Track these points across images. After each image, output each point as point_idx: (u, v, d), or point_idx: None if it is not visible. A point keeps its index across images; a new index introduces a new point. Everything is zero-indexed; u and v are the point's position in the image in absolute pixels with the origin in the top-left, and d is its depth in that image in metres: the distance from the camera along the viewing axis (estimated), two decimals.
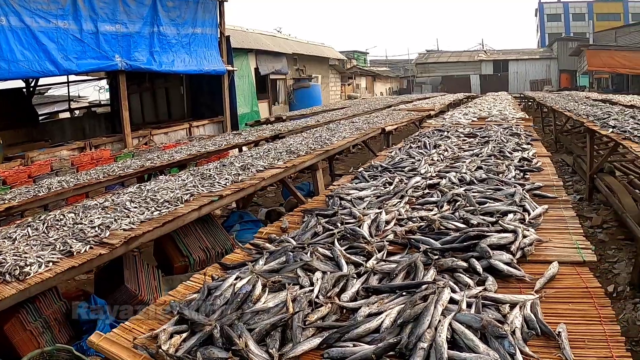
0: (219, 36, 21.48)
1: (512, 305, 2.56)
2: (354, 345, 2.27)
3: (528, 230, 3.58)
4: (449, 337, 2.25)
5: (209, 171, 8.08)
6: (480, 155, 6.73)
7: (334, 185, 5.89)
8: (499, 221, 3.68)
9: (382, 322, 2.39)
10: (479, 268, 2.97)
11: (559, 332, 2.33)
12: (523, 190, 4.74)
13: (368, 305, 2.58)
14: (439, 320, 2.34)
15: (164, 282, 6.36)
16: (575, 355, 2.21)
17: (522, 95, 38.85)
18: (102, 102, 30.49)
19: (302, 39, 41.10)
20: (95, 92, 34.23)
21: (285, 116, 22.57)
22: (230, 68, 21.93)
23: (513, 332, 2.32)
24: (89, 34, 15.88)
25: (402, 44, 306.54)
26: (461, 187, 4.97)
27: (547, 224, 3.98)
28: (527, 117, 12.67)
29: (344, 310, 2.64)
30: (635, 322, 6.43)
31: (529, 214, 4.02)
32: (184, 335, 2.46)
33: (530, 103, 33.07)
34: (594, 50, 47.16)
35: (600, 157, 11.84)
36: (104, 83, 29.49)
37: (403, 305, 2.49)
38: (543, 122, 24.97)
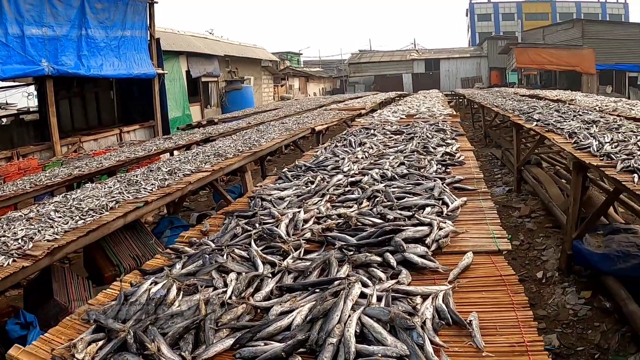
0: (148, 38, 21.08)
1: (426, 297, 2.60)
2: (266, 344, 2.26)
3: (445, 223, 3.65)
4: (357, 331, 2.25)
5: (136, 177, 7.89)
6: (404, 151, 6.81)
7: (256, 187, 5.87)
8: (415, 215, 3.73)
9: (294, 319, 2.39)
10: (393, 262, 3.01)
11: (470, 320, 2.38)
12: (443, 184, 4.84)
13: (280, 304, 2.58)
14: (349, 315, 2.35)
15: (95, 293, 6.25)
16: (487, 342, 2.25)
17: (453, 93, 39.70)
18: (31, 109, 29.62)
19: (234, 40, 40.89)
20: (24, 98, 33.28)
21: (217, 119, 22.37)
22: (160, 71, 21.57)
23: (424, 323, 2.35)
24: (15, 38, 15.33)
25: (335, 44, 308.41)
26: (382, 183, 5.02)
27: (466, 215, 4.08)
28: (454, 113, 12.97)
29: (259, 310, 2.63)
30: (565, 305, 6.70)
31: (448, 207, 4.11)
32: (100, 343, 2.40)
33: (461, 100, 33.79)
34: (522, 48, 48.75)
35: (527, 150, 12.21)
36: (32, 89, 28.69)
37: (314, 302, 2.50)
38: (473, 118, 25.56)
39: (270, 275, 3.01)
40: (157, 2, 21.43)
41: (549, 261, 8.12)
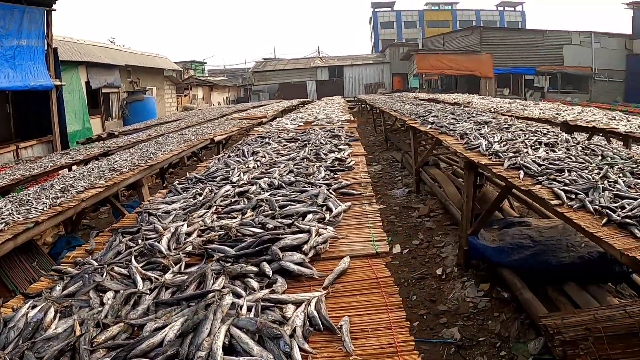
0: (46, 48, 20.05)
1: (299, 304, 2.61)
2: None
3: (325, 229, 3.69)
4: (227, 343, 2.25)
5: (28, 196, 7.49)
6: (295, 159, 6.82)
7: (145, 201, 5.76)
8: (295, 222, 3.76)
9: (166, 335, 2.36)
10: (268, 271, 3.02)
11: (341, 325, 2.40)
12: (329, 189, 4.89)
13: (155, 320, 2.54)
14: (218, 328, 2.34)
15: None
16: (358, 346, 2.28)
17: (356, 99, 40.35)
18: None
19: (136, 49, 39.76)
20: None
21: (118, 132, 21.49)
22: (58, 83, 20.59)
23: (294, 331, 2.36)
24: None
25: (240, 53, 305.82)
26: (270, 191, 5.02)
27: (349, 220, 4.12)
28: (352, 119, 13.09)
29: (136, 328, 2.57)
30: (464, 299, 6.89)
31: (332, 213, 4.15)
32: None
33: (364, 106, 34.25)
34: (423, 55, 50.29)
35: (425, 152, 12.50)
36: None
37: (186, 317, 2.48)
38: (375, 122, 25.95)
39: (148, 292, 2.96)
40: (55, 10, 20.40)
41: (448, 257, 8.36)
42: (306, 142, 8.36)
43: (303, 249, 3.32)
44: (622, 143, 11.20)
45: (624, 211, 4.03)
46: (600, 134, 11.64)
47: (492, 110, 14.96)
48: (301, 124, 12.24)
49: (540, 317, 5.23)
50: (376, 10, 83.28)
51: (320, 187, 4.97)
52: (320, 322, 2.46)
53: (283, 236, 3.47)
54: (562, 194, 4.62)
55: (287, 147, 8.13)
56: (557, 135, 7.83)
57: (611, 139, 11.58)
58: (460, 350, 5.90)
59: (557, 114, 12.97)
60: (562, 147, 6.81)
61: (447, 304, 6.93)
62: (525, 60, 51.84)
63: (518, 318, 6.15)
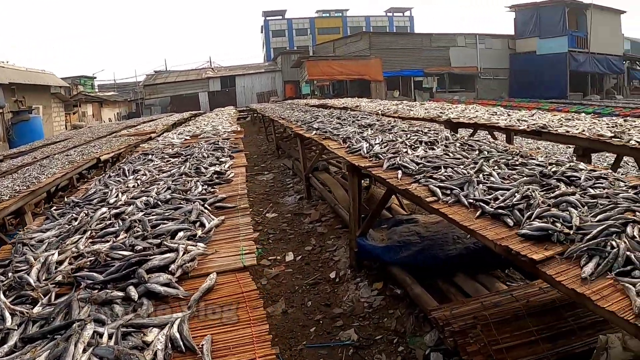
0: None
1: (163, 327, 2.53)
2: None
3: (195, 246, 3.60)
4: None
5: None
6: (174, 175, 6.62)
7: (20, 231, 5.43)
8: (163, 242, 3.64)
9: None
10: (134, 295, 2.90)
11: (202, 345, 2.35)
12: (205, 204, 4.80)
13: (20, 357, 2.41)
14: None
15: None
16: None
17: (248, 108, 40.31)
18: None
19: (20, 66, 37.56)
20: None
21: (2, 155, 20.34)
22: None
23: (155, 355, 2.30)
24: None
25: (130, 66, 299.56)
26: (145, 211, 4.84)
27: (221, 234, 4.04)
28: (239, 129, 12.99)
29: None
30: (359, 299, 6.96)
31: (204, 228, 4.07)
32: None
33: (256, 115, 34.19)
34: (313, 61, 50.87)
35: (313, 157, 12.56)
36: None
37: (49, 350, 2.36)
38: (266, 131, 25.95)
39: (16, 327, 2.77)
40: None
41: (341, 260, 8.41)
42: (188, 156, 8.17)
43: (170, 269, 3.23)
44: (505, 136, 11.63)
45: (497, 202, 4.16)
46: (484, 129, 11.99)
47: (379, 112, 15.23)
48: (188, 137, 12.00)
49: (430, 310, 5.38)
50: (267, 18, 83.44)
51: (194, 202, 4.84)
52: (182, 343, 2.40)
53: (151, 257, 3.36)
54: (438, 190, 4.75)
55: (169, 163, 7.88)
56: (437, 134, 8.03)
57: (494, 133, 11.99)
58: (359, 350, 5.94)
59: (441, 112, 13.33)
60: (442, 145, 6.99)
61: (343, 307, 6.96)
62: (413, 62, 53.79)
63: (412, 313, 6.26)
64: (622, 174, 5.37)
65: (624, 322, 2.49)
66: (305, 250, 9.29)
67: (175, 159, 8.08)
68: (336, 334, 6.31)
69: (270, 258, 8.98)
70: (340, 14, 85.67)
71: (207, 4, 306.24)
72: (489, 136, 11.48)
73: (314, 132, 10.11)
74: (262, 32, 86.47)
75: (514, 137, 12.89)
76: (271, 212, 12.08)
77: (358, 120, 10.98)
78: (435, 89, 53.83)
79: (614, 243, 3.14)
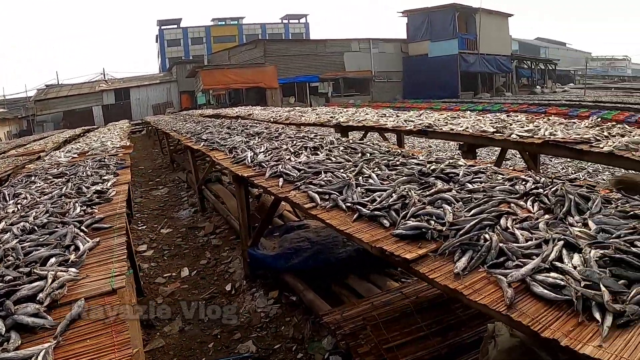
0: None
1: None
2: None
3: (66, 271, 3.49)
4: None
5: None
6: (53, 197, 6.30)
7: None
8: (33, 270, 3.49)
9: None
10: (2, 328, 2.80)
11: None
12: (82, 226, 4.66)
13: None
14: None
15: None
16: None
17: (143, 121, 39.61)
18: None
19: None
20: None
21: None
22: None
23: None
24: None
25: (20, 80, 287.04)
26: (21, 237, 4.55)
27: (95, 257, 3.92)
28: (128, 144, 12.75)
29: None
30: (256, 310, 6.95)
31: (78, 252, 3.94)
32: None
33: (150, 127, 33.60)
34: (208, 70, 50.47)
35: (205, 169, 12.47)
36: None
37: None
38: (161, 144, 25.57)
39: None
40: None
41: (236, 272, 8.39)
42: (72, 176, 7.87)
43: (38, 298, 3.10)
44: (397, 137, 11.87)
45: (374, 204, 4.22)
46: (374, 131, 12.22)
47: (272, 119, 15.27)
48: (75, 155, 11.57)
49: (321, 315, 5.40)
50: (162, 27, 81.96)
51: (70, 225, 4.67)
52: None
53: (20, 287, 3.23)
54: (316, 196, 4.78)
55: (52, 184, 7.51)
56: (322, 139, 8.12)
57: (385, 134, 12.23)
58: None
59: (331, 117, 13.49)
60: (326, 150, 7.07)
61: (240, 319, 6.91)
62: (309, 68, 54.34)
63: (309, 319, 6.31)
64: (510, 167, 5.58)
65: (496, 313, 2.57)
66: (200, 265, 9.19)
67: (59, 179, 7.75)
68: (235, 348, 6.27)
69: (165, 275, 8.85)
70: (236, 22, 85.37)
71: (100, 13, 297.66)
72: (381, 138, 11.72)
73: (202, 143, 10.02)
74: (157, 41, 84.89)
75: (406, 137, 13.20)
76: (166, 228, 11.88)
77: (247, 129, 10.99)
78: (331, 94, 54.58)
79: (487, 236, 3.25)
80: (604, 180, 12.09)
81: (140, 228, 11.89)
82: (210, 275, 8.66)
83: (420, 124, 9.87)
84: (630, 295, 2.44)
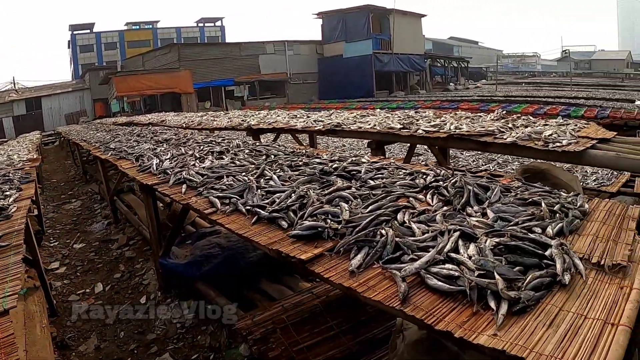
0: None
1: None
2: None
3: None
4: None
5: None
6: None
7: None
8: None
9: None
10: None
11: None
12: None
13: None
14: None
15: None
16: None
17: (55, 132, 38.58)
18: None
19: None
20: None
21: None
22: None
23: None
24: None
25: None
26: None
27: None
28: (35, 157, 12.38)
29: None
30: (172, 321, 6.88)
31: None
32: None
33: (63, 138, 32.71)
34: (121, 77, 49.44)
35: (117, 179, 12.22)
36: None
37: None
38: (74, 155, 24.94)
39: None
40: None
41: (151, 283, 8.28)
42: None
43: None
44: (309, 138, 11.93)
45: (273, 206, 4.24)
46: (286, 133, 12.25)
47: (184, 125, 15.11)
48: None
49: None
50: (75, 32, 79.46)
51: None
52: None
53: None
54: (217, 201, 4.77)
55: None
56: (229, 143, 8.10)
57: (297, 135, 12.29)
58: None
59: (243, 120, 13.42)
60: (231, 153, 7.06)
61: (156, 331, 6.83)
62: (224, 72, 53.87)
63: (225, 326, 6.23)
64: (422, 162, 5.66)
65: (390, 309, 2.61)
66: (114, 279, 8.98)
67: None
68: None
69: (78, 292, 8.60)
70: (151, 26, 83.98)
71: (8, 18, 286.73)
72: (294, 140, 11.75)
73: (110, 152, 9.80)
74: (69, 47, 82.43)
75: (319, 138, 13.27)
76: (79, 243, 11.52)
77: (156, 136, 10.84)
78: (247, 97, 54.27)
79: (382, 232, 3.31)
80: (512, 170, 12.48)
81: (52, 244, 11.51)
82: (124, 289, 8.49)
83: (329, 124, 9.94)
84: (526, 281, 2.53)
